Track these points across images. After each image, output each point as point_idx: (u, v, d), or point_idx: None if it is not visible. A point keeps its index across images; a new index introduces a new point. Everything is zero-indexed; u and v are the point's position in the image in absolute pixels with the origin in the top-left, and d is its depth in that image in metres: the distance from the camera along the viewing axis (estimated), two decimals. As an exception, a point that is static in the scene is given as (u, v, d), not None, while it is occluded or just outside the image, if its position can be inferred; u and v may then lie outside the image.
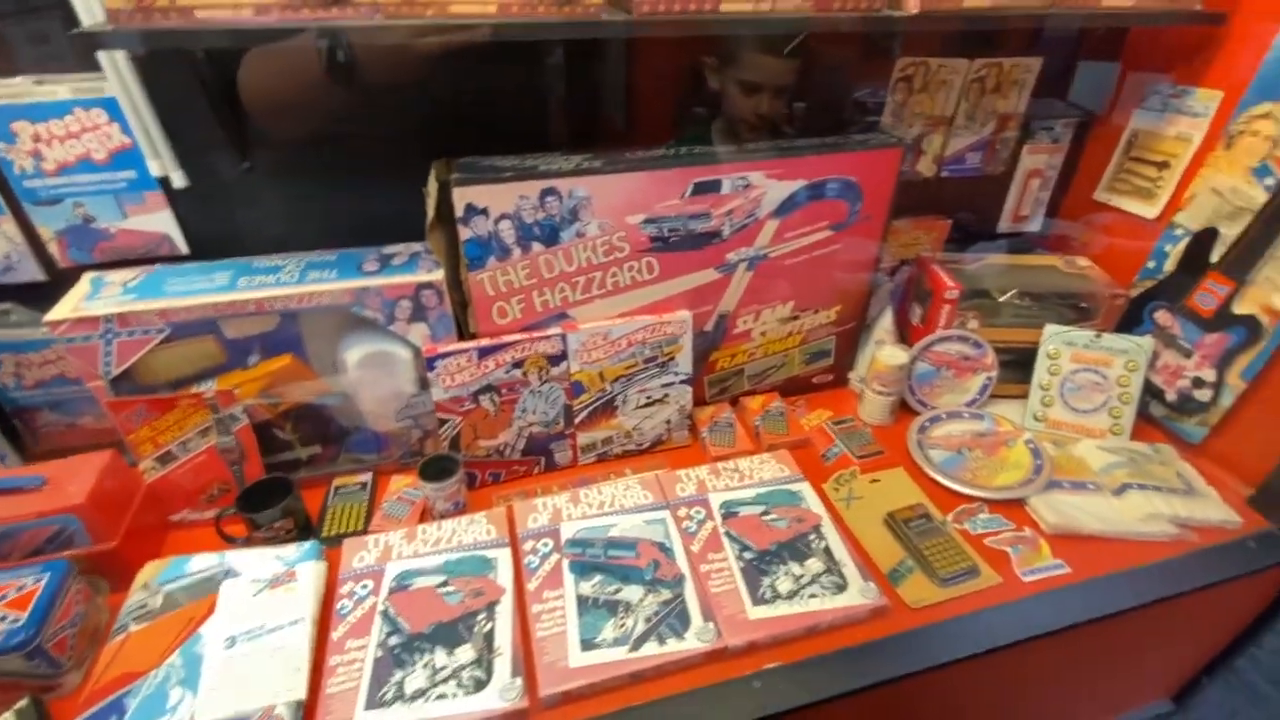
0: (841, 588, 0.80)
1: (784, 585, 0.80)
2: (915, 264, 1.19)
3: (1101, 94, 1.17)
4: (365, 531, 0.89)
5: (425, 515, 0.92)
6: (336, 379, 0.91)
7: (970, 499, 0.97)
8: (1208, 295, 0.99)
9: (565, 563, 0.83)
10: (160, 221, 0.94)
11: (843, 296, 1.08)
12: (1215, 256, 0.98)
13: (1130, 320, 1.11)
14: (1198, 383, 1.02)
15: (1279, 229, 0.89)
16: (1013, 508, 0.96)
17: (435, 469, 0.90)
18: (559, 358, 0.92)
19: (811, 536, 0.87)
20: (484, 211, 0.80)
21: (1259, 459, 0.96)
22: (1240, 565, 0.89)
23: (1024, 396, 1.13)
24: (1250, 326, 0.94)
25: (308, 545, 0.82)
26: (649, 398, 1.01)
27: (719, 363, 1.09)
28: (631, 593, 0.79)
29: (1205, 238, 0.99)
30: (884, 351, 1.08)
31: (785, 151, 0.91)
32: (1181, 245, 1.03)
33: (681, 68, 1.10)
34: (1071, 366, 1.09)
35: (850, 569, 0.82)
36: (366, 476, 0.98)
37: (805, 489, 0.95)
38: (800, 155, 0.91)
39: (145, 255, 0.95)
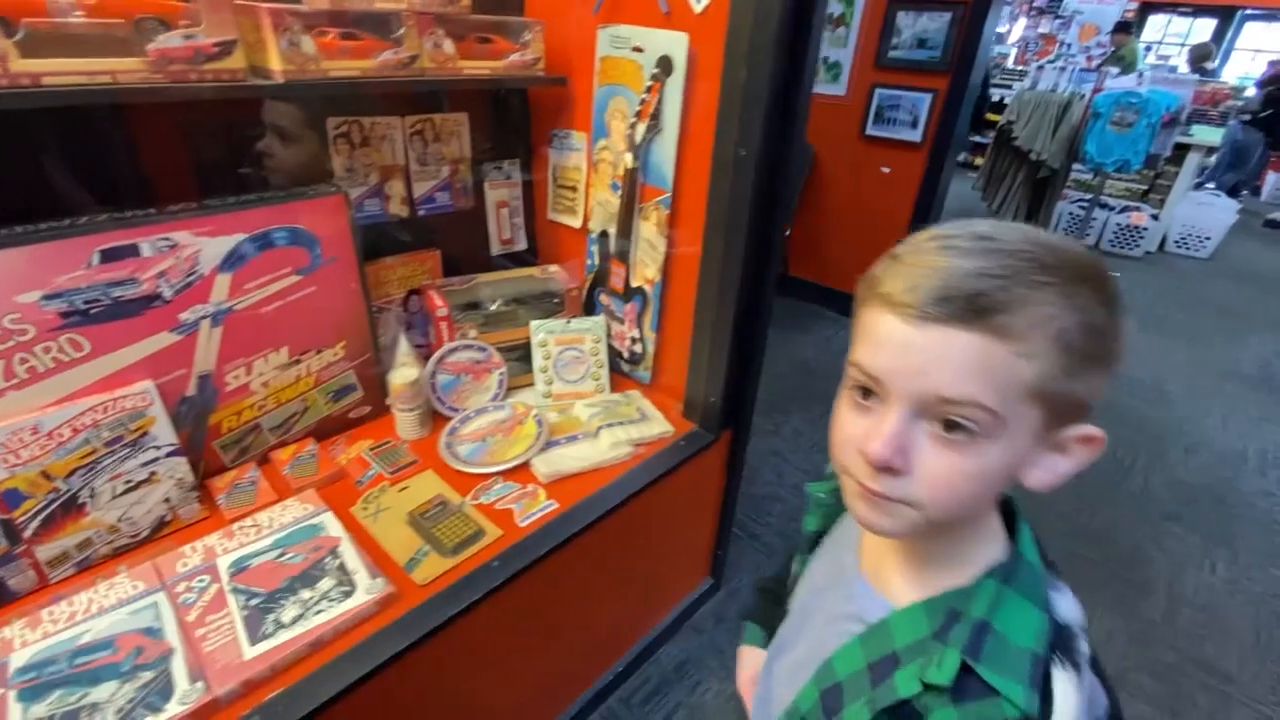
0: (349, 594, 0.87)
1: (290, 614, 0.83)
2: (419, 292, 1.35)
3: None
4: None
5: None
6: None
7: (487, 476, 1.14)
8: (617, 277, 1.35)
9: (12, 695, 0.71)
10: None
11: (343, 333, 1.15)
12: (612, 249, 1.35)
13: (589, 305, 1.45)
14: (634, 340, 1.38)
15: (631, 225, 1.28)
16: (521, 472, 1.16)
17: None
18: (-36, 471, 0.79)
19: (327, 559, 0.92)
20: None
21: (678, 382, 1.35)
22: (673, 459, 1.24)
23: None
24: (641, 294, 1.32)
25: None
26: (129, 481, 0.93)
27: (224, 424, 1.06)
28: (102, 691, 0.72)
29: (604, 236, 1.36)
30: (397, 374, 1.19)
31: (210, 210, 0.94)
32: (597, 245, 1.39)
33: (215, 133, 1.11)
34: (558, 349, 1.36)
35: (361, 575, 0.89)
36: None
37: (327, 519, 0.99)
38: (229, 211, 0.95)
39: None
